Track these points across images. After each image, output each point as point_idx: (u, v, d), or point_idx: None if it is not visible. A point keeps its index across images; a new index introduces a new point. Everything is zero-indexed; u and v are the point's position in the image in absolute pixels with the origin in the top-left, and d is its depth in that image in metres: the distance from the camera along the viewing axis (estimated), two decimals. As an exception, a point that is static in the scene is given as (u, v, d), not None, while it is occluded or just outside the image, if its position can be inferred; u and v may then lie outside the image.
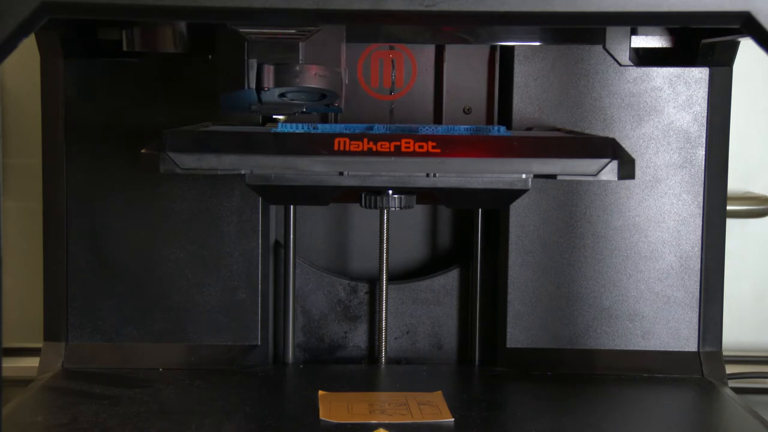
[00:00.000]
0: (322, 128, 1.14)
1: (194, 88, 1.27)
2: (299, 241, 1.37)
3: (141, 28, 1.24)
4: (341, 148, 1.01)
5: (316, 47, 1.07)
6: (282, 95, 1.09)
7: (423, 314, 1.37)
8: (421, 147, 1.02)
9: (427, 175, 1.03)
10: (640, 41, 1.28)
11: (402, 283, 1.37)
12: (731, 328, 1.44)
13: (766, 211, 1.53)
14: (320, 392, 1.19)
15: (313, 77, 1.07)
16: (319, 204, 1.28)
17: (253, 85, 1.07)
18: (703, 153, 1.28)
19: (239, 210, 1.28)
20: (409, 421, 1.10)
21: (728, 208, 1.31)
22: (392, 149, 1.02)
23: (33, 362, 1.30)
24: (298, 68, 1.06)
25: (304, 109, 1.12)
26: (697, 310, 1.29)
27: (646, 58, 1.30)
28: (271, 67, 1.06)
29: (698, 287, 1.29)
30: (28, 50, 1.18)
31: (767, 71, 1.52)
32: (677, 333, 1.29)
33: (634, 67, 1.28)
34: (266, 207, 1.31)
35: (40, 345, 1.29)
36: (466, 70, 1.32)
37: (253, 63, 1.06)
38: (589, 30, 1.27)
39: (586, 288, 1.29)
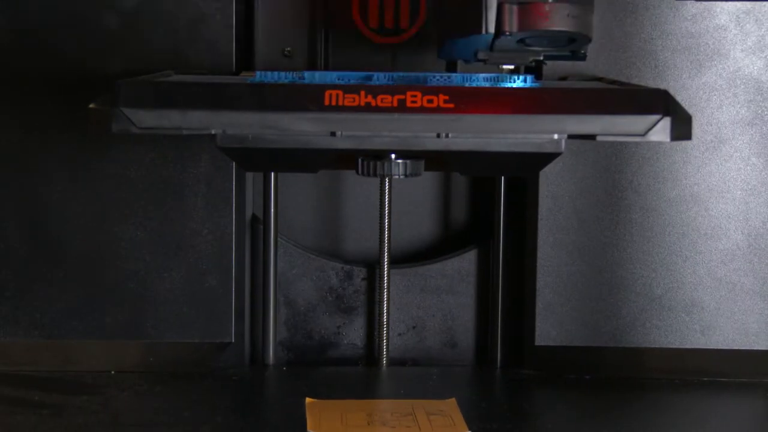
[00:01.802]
0: (310, 78, 1.15)
1: (157, 25, 1.28)
2: (282, 215, 1.39)
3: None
4: (333, 102, 1.03)
5: None
6: (521, 41, 1.11)
7: (433, 305, 1.40)
8: (430, 101, 1.03)
9: (438, 136, 1.04)
10: (700, -32, 1.30)
11: (407, 268, 1.39)
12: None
13: None
14: (308, 400, 1.21)
15: (565, 19, 1.08)
16: (306, 171, 1.30)
17: (492, 29, 1.08)
18: (777, 107, 1.30)
19: (208, 178, 1.30)
20: (415, 435, 1.13)
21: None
22: (395, 104, 1.03)
23: (-44, 364, 1.32)
24: (547, 8, 1.07)
25: (541, 58, 1.14)
26: (769, 299, 1.32)
27: (707, -11, 1.31)
28: (515, 7, 1.07)
29: (770, 272, 1.31)
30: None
31: None
32: (744, 328, 1.32)
33: (694, 1, 1.29)
34: (241, 175, 1.33)
35: (-36, 343, 1.32)
36: (486, 5, 1.34)
37: (493, 2, 1.08)
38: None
39: (632, 273, 1.32)
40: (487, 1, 1.09)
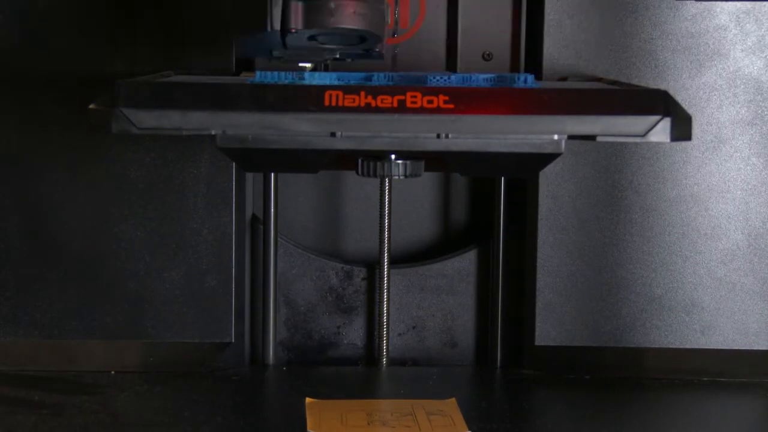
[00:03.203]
0: (310, 78, 1.15)
1: (157, 27, 1.29)
2: (282, 216, 1.39)
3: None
4: (333, 103, 1.03)
5: None
6: (312, 38, 1.11)
7: (433, 305, 1.40)
8: (430, 102, 1.03)
9: (438, 136, 1.04)
10: (700, -32, 1.30)
11: (407, 268, 1.40)
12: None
13: None
14: (308, 400, 1.22)
15: (351, 16, 1.08)
16: (306, 171, 1.30)
17: (277, 26, 1.08)
18: (777, 107, 1.31)
19: (208, 178, 1.30)
20: (415, 435, 1.13)
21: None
22: (395, 104, 1.03)
23: (-45, 364, 1.33)
24: (332, 5, 1.08)
25: (338, 55, 1.14)
26: (769, 299, 1.32)
27: (707, -11, 1.32)
28: (300, 4, 1.08)
29: (770, 272, 1.32)
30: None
31: None
32: (744, 328, 1.32)
33: (694, 1, 1.30)
34: (241, 175, 1.34)
35: (-36, 343, 1.32)
36: (486, 5, 1.34)
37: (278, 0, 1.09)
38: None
39: (632, 273, 1.32)
40: None
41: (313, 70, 1.19)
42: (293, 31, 1.09)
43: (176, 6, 1.28)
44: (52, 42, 1.28)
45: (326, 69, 1.21)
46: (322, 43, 1.12)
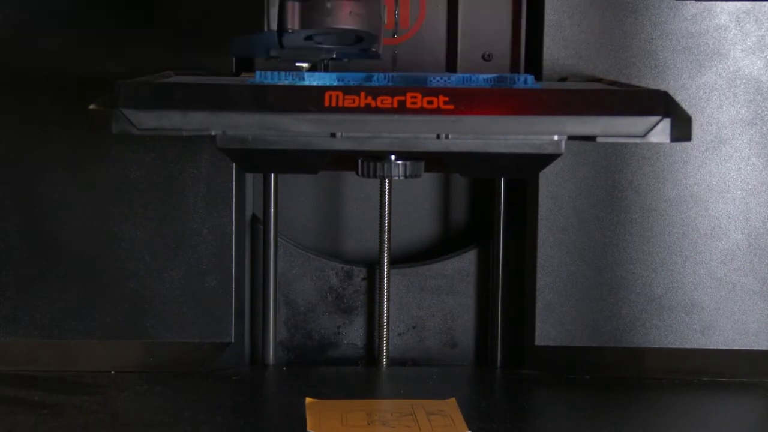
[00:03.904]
0: (310, 79, 1.16)
1: (157, 27, 1.29)
2: (282, 216, 1.39)
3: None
4: (333, 103, 1.03)
5: None
6: (309, 38, 1.11)
7: (433, 305, 1.40)
8: (430, 102, 1.03)
9: (438, 137, 1.04)
10: (700, -32, 1.31)
11: (407, 268, 1.40)
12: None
13: None
14: (308, 400, 1.22)
15: (347, 16, 1.09)
16: (306, 172, 1.30)
17: (274, 26, 1.09)
18: (777, 107, 1.31)
19: (208, 178, 1.31)
20: (415, 435, 1.13)
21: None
22: (395, 105, 1.03)
23: (-45, 364, 1.33)
24: (329, 5, 1.08)
25: (335, 56, 1.14)
26: (769, 300, 1.32)
27: (707, -11, 1.32)
28: (296, 4, 1.08)
29: (770, 272, 1.32)
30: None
31: None
32: (744, 328, 1.32)
33: (693, 1, 1.30)
34: (241, 175, 1.34)
35: (-36, 343, 1.32)
36: (486, 6, 1.34)
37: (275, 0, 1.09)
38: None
39: (632, 273, 1.32)
40: None
41: (312, 69, 1.19)
42: (290, 31, 1.09)
43: (176, 6, 1.28)
44: (51, 42, 1.29)
45: (326, 69, 1.22)
46: (319, 43, 1.13)
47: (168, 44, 1.29)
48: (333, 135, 1.04)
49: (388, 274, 1.36)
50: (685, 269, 1.32)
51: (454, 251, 1.40)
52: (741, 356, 1.32)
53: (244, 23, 1.13)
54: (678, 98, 1.10)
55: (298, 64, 1.19)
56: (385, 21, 1.14)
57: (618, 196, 1.31)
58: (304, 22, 1.09)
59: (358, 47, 1.13)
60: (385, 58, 1.34)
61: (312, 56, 1.16)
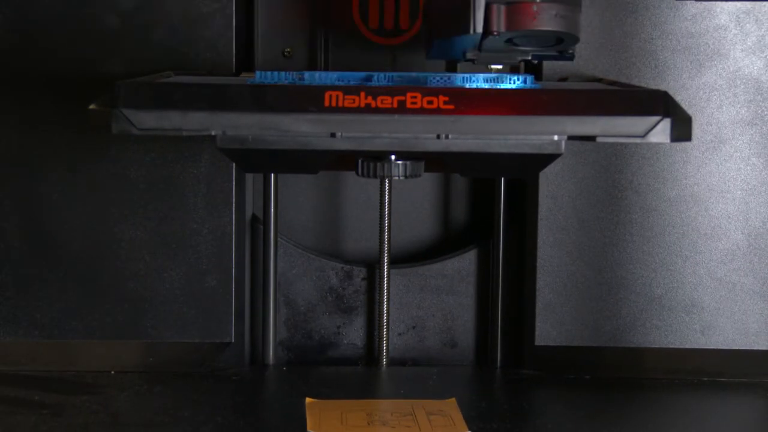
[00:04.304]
0: (310, 78, 1.16)
1: (157, 27, 1.29)
2: (282, 216, 1.39)
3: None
4: (333, 103, 1.03)
5: None
6: (509, 41, 1.11)
7: (433, 305, 1.40)
8: (430, 102, 1.03)
9: (438, 137, 1.04)
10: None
11: (407, 267, 1.40)
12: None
13: None
14: (308, 400, 1.22)
15: (553, 19, 1.08)
16: (306, 172, 1.30)
17: (479, 29, 1.08)
18: (777, 108, 1.31)
19: (208, 178, 1.31)
20: (415, 435, 1.13)
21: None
22: (395, 105, 1.03)
23: (-44, 364, 1.33)
24: (535, 8, 1.08)
25: (530, 57, 1.15)
26: (769, 300, 1.32)
27: (707, -11, 1.32)
28: (502, 7, 1.08)
29: (770, 272, 1.32)
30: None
31: None
32: (744, 328, 1.32)
33: (693, 1, 1.30)
34: (241, 175, 1.34)
35: (-36, 343, 1.32)
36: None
37: (481, 2, 1.08)
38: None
39: (632, 273, 1.32)
40: (476, 0, 1.09)
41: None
42: (495, 33, 1.09)
43: (176, 6, 1.28)
44: (51, 42, 1.29)
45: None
46: (518, 45, 1.13)
47: (168, 44, 1.29)
48: (333, 135, 1.04)
49: (388, 274, 1.36)
50: (685, 269, 1.32)
51: (454, 251, 1.40)
52: (741, 356, 1.32)
53: (450, 25, 1.13)
54: (678, 98, 1.10)
55: (492, 67, 1.19)
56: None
57: (618, 196, 1.31)
58: (510, 24, 1.09)
59: (557, 48, 1.13)
60: (386, 58, 1.34)
61: (509, 58, 1.16)
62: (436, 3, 1.18)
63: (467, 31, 1.10)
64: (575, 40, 1.11)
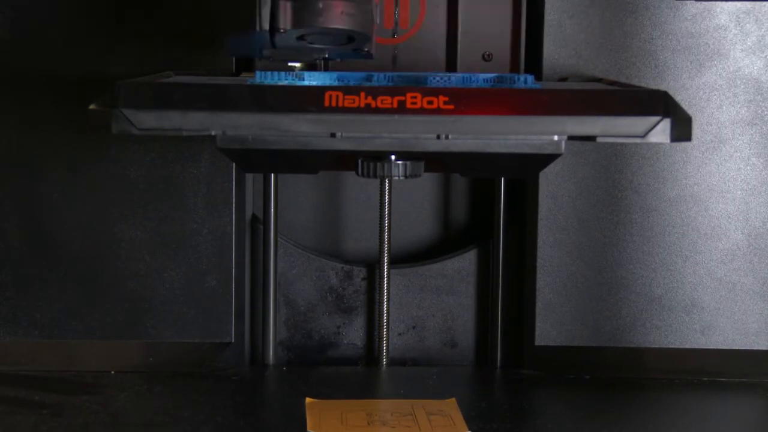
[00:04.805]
0: (310, 79, 1.16)
1: (157, 27, 1.29)
2: (282, 216, 1.39)
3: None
4: (333, 103, 1.03)
5: None
6: (301, 38, 1.12)
7: (433, 305, 1.40)
8: (430, 102, 1.04)
9: (438, 137, 1.05)
10: (700, -31, 1.31)
11: (407, 267, 1.40)
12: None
13: None
14: (308, 400, 1.22)
15: (339, 16, 1.09)
16: (306, 172, 1.30)
17: (266, 26, 1.09)
18: (777, 108, 1.31)
19: (208, 178, 1.31)
20: (415, 435, 1.14)
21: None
22: (395, 105, 1.03)
23: (-44, 364, 1.33)
24: (320, 5, 1.09)
25: (327, 55, 1.15)
26: (769, 300, 1.32)
27: (707, -11, 1.32)
28: (288, 4, 1.09)
29: (770, 272, 1.32)
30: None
31: None
32: (744, 328, 1.32)
33: (693, 1, 1.30)
34: (241, 175, 1.34)
35: (-36, 343, 1.32)
36: (486, 6, 1.34)
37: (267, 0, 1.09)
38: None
39: (632, 273, 1.32)
40: None
41: (311, 69, 1.19)
42: (282, 31, 1.10)
43: (176, 6, 1.28)
44: (52, 42, 1.29)
45: (326, 69, 1.22)
46: (311, 43, 1.13)
47: (168, 44, 1.29)
48: (333, 135, 1.04)
49: (388, 274, 1.37)
50: (685, 269, 1.32)
51: (454, 251, 1.40)
52: (741, 356, 1.32)
53: (237, 23, 1.14)
54: (678, 98, 1.10)
55: (291, 64, 1.20)
56: (378, 21, 1.14)
57: (618, 196, 1.32)
58: (296, 22, 1.10)
59: (351, 47, 1.14)
60: (385, 58, 1.34)
61: (304, 56, 1.16)
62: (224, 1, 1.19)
63: (255, 27, 1.10)
64: (366, 38, 1.12)
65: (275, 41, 1.11)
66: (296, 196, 1.42)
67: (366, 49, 1.14)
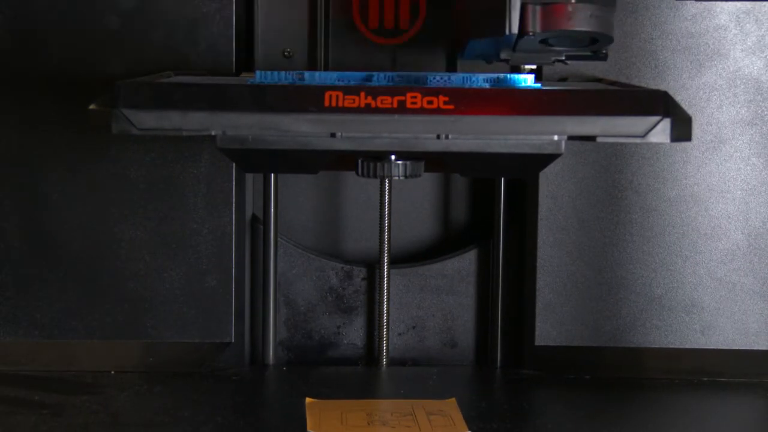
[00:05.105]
0: (310, 78, 1.16)
1: (157, 27, 1.29)
2: (282, 216, 1.39)
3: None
4: (333, 103, 1.03)
5: None
6: (543, 41, 1.12)
7: (433, 305, 1.40)
8: (430, 102, 1.04)
9: (438, 137, 1.05)
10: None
11: (407, 267, 1.40)
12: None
13: None
14: (308, 400, 1.22)
15: (588, 19, 1.09)
16: (306, 172, 1.30)
17: (515, 30, 1.09)
18: (777, 108, 1.31)
19: (208, 178, 1.31)
20: (415, 435, 1.14)
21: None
22: (395, 105, 1.03)
23: (-44, 364, 1.33)
24: (570, 8, 1.08)
25: (563, 58, 1.15)
26: (769, 299, 1.32)
27: (707, -11, 1.32)
28: (538, 8, 1.09)
29: (770, 272, 1.32)
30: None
31: None
32: (744, 328, 1.32)
33: (694, 1, 1.30)
34: (241, 175, 1.34)
35: (-36, 343, 1.32)
36: (487, 5, 1.34)
37: (516, 3, 1.09)
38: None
39: (632, 273, 1.32)
40: (511, 1, 1.09)
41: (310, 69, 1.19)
42: (530, 34, 1.10)
43: (176, 6, 1.29)
44: (51, 42, 1.29)
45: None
46: (552, 45, 1.13)
47: (168, 44, 1.29)
48: (333, 135, 1.04)
49: (388, 274, 1.37)
50: (685, 269, 1.32)
51: (454, 251, 1.40)
52: (741, 356, 1.32)
53: (485, 26, 1.13)
54: (678, 98, 1.10)
55: (526, 67, 1.20)
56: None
57: (618, 196, 1.32)
58: (546, 25, 1.09)
59: (591, 49, 1.14)
60: (386, 58, 1.34)
61: (542, 59, 1.16)
62: (471, 3, 1.18)
63: (503, 31, 1.10)
64: (609, 40, 1.12)
65: (519, 44, 1.11)
66: (296, 196, 1.42)
67: (604, 51, 1.14)
